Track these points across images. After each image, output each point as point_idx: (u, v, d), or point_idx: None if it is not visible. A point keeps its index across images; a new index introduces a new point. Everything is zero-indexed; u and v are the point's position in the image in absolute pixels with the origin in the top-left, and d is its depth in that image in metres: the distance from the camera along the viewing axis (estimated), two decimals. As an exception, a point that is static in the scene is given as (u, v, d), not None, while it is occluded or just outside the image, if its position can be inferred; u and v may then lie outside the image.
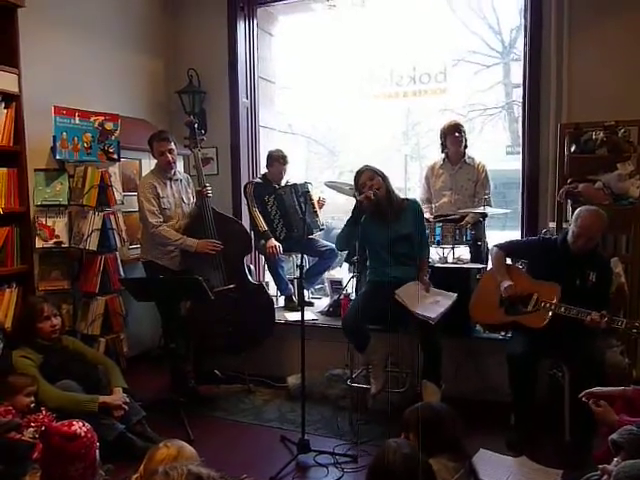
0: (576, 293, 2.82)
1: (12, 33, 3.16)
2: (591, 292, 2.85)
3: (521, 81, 3.93)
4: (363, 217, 3.19)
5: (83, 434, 1.92)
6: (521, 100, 3.93)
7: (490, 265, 3.40)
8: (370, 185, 3.18)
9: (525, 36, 3.79)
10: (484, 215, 3.71)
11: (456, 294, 3.17)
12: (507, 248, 3.18)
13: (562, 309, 2.78)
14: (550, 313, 2.84)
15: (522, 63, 3.86)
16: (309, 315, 3.96)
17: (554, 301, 2.85)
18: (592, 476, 1.54)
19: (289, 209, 4.15)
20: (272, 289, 4.34)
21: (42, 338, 2.90)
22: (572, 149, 3.40)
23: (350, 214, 3.24)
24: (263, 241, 4.09)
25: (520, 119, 3.88)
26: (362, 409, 3.40)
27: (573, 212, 3.19)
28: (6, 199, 3.18)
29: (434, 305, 3.09)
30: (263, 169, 4.45)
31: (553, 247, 2.99)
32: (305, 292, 4.18)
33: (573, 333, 2.76)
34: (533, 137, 3.79)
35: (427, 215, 3.92)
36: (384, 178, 3.24)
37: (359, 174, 3.26)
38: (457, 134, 3.90)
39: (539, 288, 2.96)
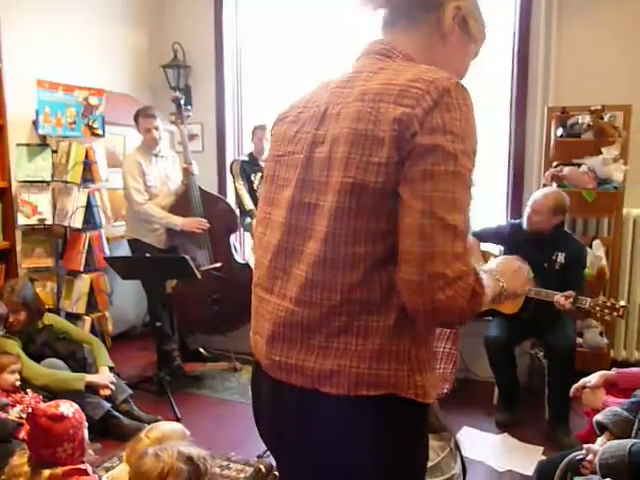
0: (546, 275, 2.86)
1: (-9, 2, 3.05)
2: (561, 273, 2.90)
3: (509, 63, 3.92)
4: None
5: (71, 415, 1.91)
6: (508, 82, 3.93)
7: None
8: None
9: (514, 15, 3.77)
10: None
11: None
12: (480, 234, 3.22)
13: (532, 292, 2.83)
14: (520, 299, 2.91)
15: (510, 45, 3.84)
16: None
17: None
18: (577, 455, 1.59)
19: (276, 188, 4.12)
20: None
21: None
22: (559, 132, 3.43)
23: None
24: (249, 219, 4.07)
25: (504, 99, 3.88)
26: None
27: (558, 196, 3.24)
28: (-13, 174, 3.11)
29: None
30: (249, 146, 4.40)
31: (519, 230, 3.03)
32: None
33: (549, 316, 2.84)
34: (519, 120, 3.80)
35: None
36: None
37: None
38: None
39: None
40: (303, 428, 0.99)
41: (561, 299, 2.73)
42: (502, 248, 3.24)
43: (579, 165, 3.32)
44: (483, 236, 3.23)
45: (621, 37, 3.45)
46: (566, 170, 3.31)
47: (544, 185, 3.46)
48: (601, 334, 3.22)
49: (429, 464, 1.76)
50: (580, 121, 3.33)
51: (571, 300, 2.70)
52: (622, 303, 2.59)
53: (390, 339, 0.92)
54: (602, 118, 3.28)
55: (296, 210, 0.98)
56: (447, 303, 0.85)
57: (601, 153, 3.28)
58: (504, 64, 3.85)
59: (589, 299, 2.69)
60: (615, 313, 2.58)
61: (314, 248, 0.95)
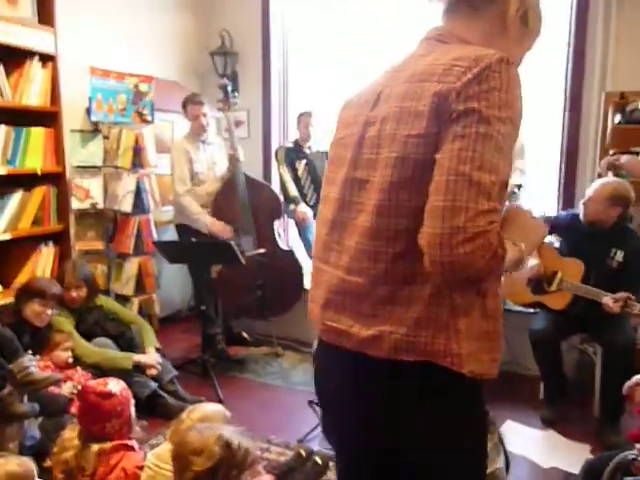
0: (600, 273, 2.74)
1: (48, -8, 3.14)
2: (617, 272, 2.75)
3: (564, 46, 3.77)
4: None
5: (118, 392, 1.98)
6: (563, 65, 3.77)
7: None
8: None
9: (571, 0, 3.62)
10: (519, 186, 3.62)
11: None
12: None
13: (582, 290, 2.71)
14: (570, 294, 2.79)
15: (567, 27, 3.69)
16: (337, 281, 3.97)
17: (577, 281, 2.79)
18: (628, 454, 1.53)
19: (320, 175, 4.11)
20: (300, 254, 4.35)
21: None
22: (616, 119, 3.27)
23: None
24: (293, 206, 4.08)
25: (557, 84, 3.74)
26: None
27: (614, 185, 3.11)
28: (43, 159, 3.22)
29: None
30: (294, 133, 4.41)
31: (577, 222, 2.89)
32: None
33: (603, 312, 2.68)
34: (575, 106, 3.65)
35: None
36: None
37: None
38: None
39: (565, 266, 2.90)
40: (354, 387, 1.05)
41: (610, 301, 2.59)
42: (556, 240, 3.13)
43: (638, 153, 3.17)
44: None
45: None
46: (624, 158, 3.15)
47: (599, 175, 3.32)
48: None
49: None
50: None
51: (621, 304, 2.56)
52: None
53: (429, 308, 0.97)
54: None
55: (349, 186, 1.06)
56: (465, 258, 0.86)
57: (662, 141, 3.12)
58: (560, 48, 3.70)
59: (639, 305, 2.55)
60: None
61: (364, 220, 1.01)
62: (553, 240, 3.16)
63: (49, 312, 2.69)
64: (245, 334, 4.03)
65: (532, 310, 3.36)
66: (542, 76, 3.72)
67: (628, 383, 1.91)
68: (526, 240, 1.01)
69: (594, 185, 2.83)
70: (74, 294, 2.93)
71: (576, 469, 2.22)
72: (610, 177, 2.93)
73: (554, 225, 3.05)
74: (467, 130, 0.88)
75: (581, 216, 2.84)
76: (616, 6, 3.43)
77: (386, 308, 0.99)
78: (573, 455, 2.51)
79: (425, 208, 0.91)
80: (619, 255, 2.76)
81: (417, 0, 4.10)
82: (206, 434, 1.58)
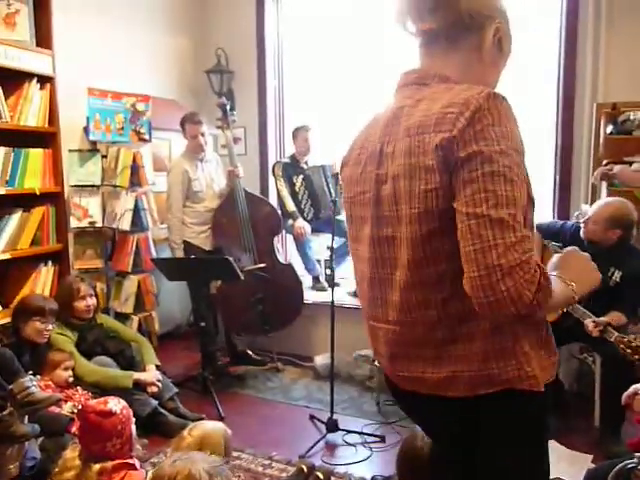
0: (600, 291, 2.69)
1: (46, 15, 3.18)
2: (614, 292, 2.70)
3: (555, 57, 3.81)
4: None
5: (119, 411, 1.97)
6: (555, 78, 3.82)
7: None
8: None
9: (561, 7, 3.67)
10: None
11: None
12: (543, 227, 3.00)
13: (570, 308, 2.65)
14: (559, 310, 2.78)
15: (557, 39, 3.74)
16: (336, 296, 3.97)
17: None
18: (629, 463, 1.53)
19: (317, 189, 4.15)
20: (299, 269, 4.36)
21: (77, 317, 2.98)
22: (608, 130, 3.31)
23: None
24: (291, 221, 4.11)
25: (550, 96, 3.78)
26: (389, 390, 3.42)
27: (608, 194, 3.13)
28: (41, 179, 3.24)
29: None
30: (290, 149, 4.44)
31: (579, 236, 2.85)
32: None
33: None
34: (567, 116, 3.69)
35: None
36: None
37: None
38: None
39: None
40: (437, 429, 1.16)
41: (590, 325, 2.57)
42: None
43: (630, 163, 3.20)
44: (542, 229, 3.08)
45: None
46: (617, 168, 3.20)
47: (593, 185, 3.35)
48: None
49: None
50: (632, 117, 3.21)
51: (600, 328, 2.53)
52: None
53: (492, 339, 1.01)
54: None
55: (377, 244, 1.10)
56: (509, 294, 0.88)
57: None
58: (551, 60, 3.75)
59: (616, 334, 2.47)
60: (637, 356, 2.34)
61: (402, 274, 1.05)
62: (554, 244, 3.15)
63: (50, 327, 2.71)
64: (250, 352, 4.00)
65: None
66: (535, 88, 3.77)
67: (627, 392, 1.91)
68: (579, 282, 1.04)
69: (596, 204, 2.81)
70: (89, 302, 2.99)
71: (578, 479, 2.22)
72: (615, 198, 2.86)
73: (560, 232, 3.01)
74: (474, 174, 0.91)
75: (581, 233, 2.83)
76: (606, 18, 3.49)
77: (449, 348, 1.04)
78: (575, 465, 2.50)
79: (460, 252, 0.94)
80: (617, 275, 2.72)
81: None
82: (176, 469, 1.55)
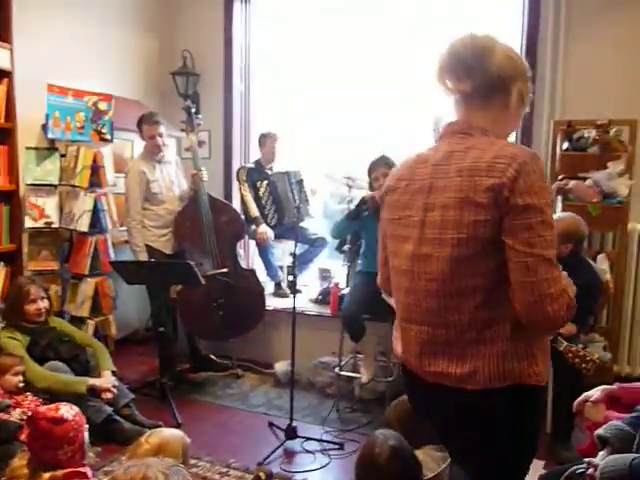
0: None
1: (5, 8, 3.10)
2: None
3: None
4: (365, 213, 3.20)
5: (70, 417, 1.91)
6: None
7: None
8: (381, 184, 3.16)
9: (521, 30, 3.80)
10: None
11: None
12: None
13: None
14: None
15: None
16: (298, 302, 3.96)
17: None
18: (578, 468, 1.58)
19: (281, 195, 4.15)
20: (261, 275, 4.34)
21: (28, 320, 2.89)
22: (564, 146, 3.43)
23: (353, 208, 3.26)
24: (254, 226, 4.09)
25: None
26: (349, 397, 3.44)
27: (563, 209, 3.24)
28: (-4, 177, 3.14)
29: None
30: (256, 154, 4.43)
31: None
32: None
33: None
34: (526, 133, 3.81)
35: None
36: None
37: (374, 165, 3.24)
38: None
39: None
40: (455, 416, 1.33)
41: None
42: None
43: (585, 179, 3.32)
44: None
45: (627, 52, 3.47)
46: (572, 183, 3.31)
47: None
48: (604, 349, 3.20)
49: (430, 475, 1.77)
50: (586, 135, 3.33)
51: (550, 338, 2.61)
52: (595, 357, 2.44)
53: (510, 344, 1.24)
54: (608, 132, 3.28)
55: (417, 259, 1.32)
56: (554, 315, 1.17)
57: (607, 167, 3.28)
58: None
59: (565, 343, 2.55)
60: (584, 365, 2.43)
61: (439, 286, 1.28)
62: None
63: None
64: (213, 357, 3.93)
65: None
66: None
67: (577, 400, 1.97)
68: None
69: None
70: (40, 305, 2.89)
71: (531, 485, 2.28)
72: (567, 213, 2.94)
73: None
74: (532, 221, 1.17)
75: None
76: (563, 40, 3.62)
77: (473, 348, 1.26)
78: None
79: (510, 281, 1.19)
80: None
81: (376, 22, 4.23)
82: (130, 475, 1.47)
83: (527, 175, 1.17)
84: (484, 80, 1.29)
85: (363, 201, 3.19)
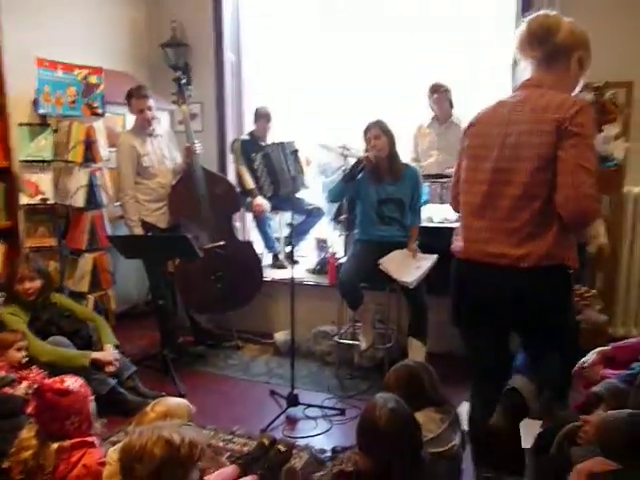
0: None
1: (-11, -20, 3.03)
2: None
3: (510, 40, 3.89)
4: (360, 175, 3.20)
5: (76, 389, 1.94)
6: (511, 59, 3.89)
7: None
8: (374, 144, 3.18)
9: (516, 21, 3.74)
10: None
11: (436, 255, 3.21)
12: None
13: None
14: None
15: (513, 17, 3.81)
16: (296, 273, 3.99)
17: None
18: (574, 425, 1.62)
19: (276, 167, 4.13)
20: (258, 247, 4.36)
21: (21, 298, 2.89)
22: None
23: (348, 169, 3.27)
24: (250, 199, 4.08)
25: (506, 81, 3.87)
26: (348, 364, 3.49)
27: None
28: (-11, 154, 3.12)
29: (415, 270, 3.15)
30: (249, 125, 4.40)
31: None
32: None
33: None
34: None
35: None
36: (390, 139, 3.23)
37: (368, 128, 3.24)
38: (436, 95, 3.90)
39: None
40: (510, 290, 1.74)
41: None
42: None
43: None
44: None
45: (623, 14, 3.42)
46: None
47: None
48: (600, 311, 3.25)
49: (430, 435, 1.81)
50: (581, 97, 3.31)
51: None
52: None
53: (556, 236, 1.68)
54: (603, 95, 3.26)
55: (496, 171, 1.76)
56: (586, 208, 1.63)
57: (602, 131, 3.27)
58: (507, 41, 3.82)
59: None
60: None
61: (514, 190, 1.72)
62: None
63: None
64: (213, 329, 3.96)
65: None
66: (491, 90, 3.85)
67: (576, 366, 2.02)
68: None
69: None
70: (27, 285, 2.86)
71: (529, 444, 2.33)
72: None
73: None
74: (578, 142, 1.62)
75: None
76: (559, 2, 3.56)
77: (528, 239, 1.70)
78: (527, 431, 2.62)
79: (558, 182, 1.64)
80: None
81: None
82: (145, 438, 1.52)
83: (582, 114, 1.63)
84: (550, 49, 1.73)
85: (358, 161, 3.20)
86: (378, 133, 3.18)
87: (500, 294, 1.76)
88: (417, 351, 3.13)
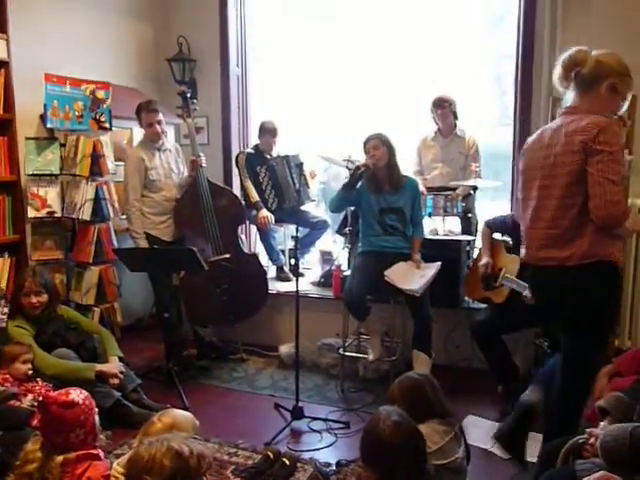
0: None
1: (0, -2, 3.09)
2: None
3: (512, 52, 3.92)
4: (360, 183, 3.23)
5: (81, 401, 1.94)
6: (513, 72, 3.92)
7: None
8: (372, 154, 3.23)
9: (519, 6, 3.78)
10: (474, 187, 3.74)
11: (439, 262, 3.27)
12: (491, 224, 3.24)
13: (514, 284, 2.86)
14: (506, 288, 2.96)
15: (515, 34, 3.85)
16: (301, 286, 3.99)
17: (514, 275, 2.94)
18: (579, 439, 1.61)
19: (281, 180, 4.15)
20: (263, 259, 4.37)
21: (27, 312, 2.90)
22: (563, 123, 3.42)
23: (348, 178, 3.30)
24: (255, 211, 4.10)
25: (509, 91, 3.89)
26: (353, 377, 3.49)
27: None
28: (-4, 168, 3.16)
29: (420, 279, 3.16)
30: (254, 139, 4.43)
31: (516, 221, 3.02)
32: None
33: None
34: (524, 110, 3.80)
35: (420, 188, 3.95)
36: (390, 150, 3.29)
37: (368, 140, 3.30)
38: (440, 110, 3.91)
39: (508, 262, 3.05)
40: (559, 284, 2.10)
41: (527, 293, 2.67)
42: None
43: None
44: (492, 226, 3.23)
45: (626, 26, 3.44)
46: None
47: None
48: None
49: (434, 447, 1.80)
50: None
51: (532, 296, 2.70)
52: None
53: (594, 237, 1.99)
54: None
55: (541, 189, 2.12)
56: (614, 214, 1.93)
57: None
58: (510, 55, 3.86)
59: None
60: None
61: (554, 202, 2.06)
62: (506, 238, 3.28)
63: (5, 311, 2.65)
64: (216, 341, 3.96)
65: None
66: (495, 84, 3.87)
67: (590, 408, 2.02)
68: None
69: None
70: (34, 300, 2.87)
71: (534, 458, 2.32)
72: None
73: (503, 224, 3.17)
74: (603, 158, 1.92)
75: None
76: (561, 14, 3.60)
77: (570, 242, 2.03)
78: (531, 445, 2.61)
79: (588, 193, 1.95)
80: None
81: (372, 10, 4.21)
82: (154, 449, 1.51)
83: (603, 133, 1.91)
84: (580, 80, 2.04)
85: (357, 168, 3.24)
86: (377, 144, 3.25)
87: (551, 291, 2.14)
88: (422, 364, 3.12)
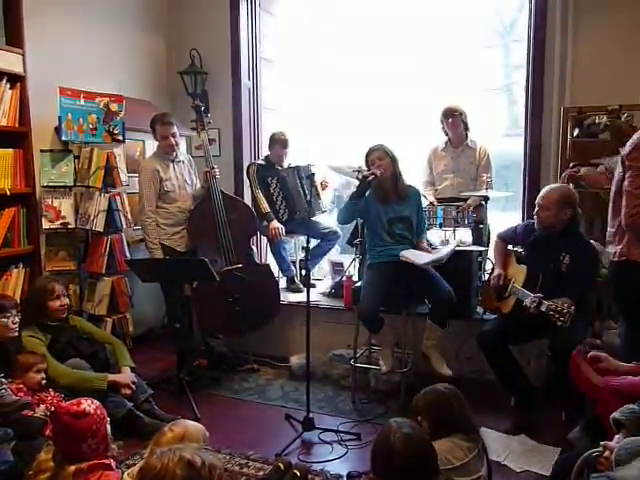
0: (551, 277, 2.83)
1: (16, 13, 3.15)
2: (566, 275, 2.83)
3: (522, 63, 3.92)
4: (367, 193, 3.27)
5: (92, 411, 1.95)
6: (523, 82, 3.92)
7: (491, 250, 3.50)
8: (378, 165, 3.25)
9: (529, 17, 3.78)
10: (486, 198, 3.73)
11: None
12: (503, 236, 3.24)
13: (519, 293, 2.87)
14: (513, 298, 2.97)
15: (525, 44, 3.85)
16: (311, 296, 3.99)
17: (521, 285, 2.93)
18: (594, 452, 1.59)
19: (292, 191, 4.17)
20: (274, 270, 4.37)
21: (50, 318, 2.94)
22: (575, 133, 3.42)
23: (355, 188, 3.31)
24: (266, 222, 4.12)
25: (519, 101, 3.89)
26: (364, 389, 3.47)
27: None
28: (12, 180, 3.20)
29: (435, 255, 3.25)
30: (265, 150, 4.46)
31: (531, 230, 3.02)
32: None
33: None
34: (535, 120, 3.79)
35: (431, 198, 3.95)
36: (394, 161, 3.31)
37: (371, 151, 3.33)
38: (451, 119, 3.91)
39: (516, 272, 3.05)
40: (611, 275, 2.65)
41: (528, 302, 2.72)
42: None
43: (596, 165, 3.30)
44: (505, 238, 3.23)
45: (638, 36, 3.44)
46: (583, 170, 3.29)
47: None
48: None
49: (457, 463, 1.77)
50: (597, 121, 3.32)
51: (535, 304, 2.68)
52: (567, 306, 2.56)
53: (628, 240, 2.43)
54: (619, 118, 3.26)
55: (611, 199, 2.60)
56: (634, 221, 2.35)
57: (618, 153, 3.26)
58: (521, 66, 3.86)
59: (547, 303, 2.62)
60: (561, 317, 2.54)
61: (610, 210, 2.58)
62: (517, 249, 3.27)
63: (16, 320, 2.67)
64: (227, 351, 3.96)
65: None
66: (505, 94, 3.87)
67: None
68: None
69: (541, 193, 2.96)
70: (65, 301, 2.98)
71: (548, 471, 2.29)
72: (555, 184, 3.08)
73: (514, 235, 3.17)
74: (633, 173, 2.34)
75: (535, 225, 2.97)
76: (572, 25, 3.60)
77: (617, 242, 2.50)
78: (545, 458, 2.58)
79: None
80: (567, 259, 2.86)
81: (383, 22, 4.24)
82: (167, 458, 1.52)
83: (636, 150, 2.31)
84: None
85: (364, 177, 3.25)
86: (382, 155, 3.28)
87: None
88: (438, 363, 3.22)
